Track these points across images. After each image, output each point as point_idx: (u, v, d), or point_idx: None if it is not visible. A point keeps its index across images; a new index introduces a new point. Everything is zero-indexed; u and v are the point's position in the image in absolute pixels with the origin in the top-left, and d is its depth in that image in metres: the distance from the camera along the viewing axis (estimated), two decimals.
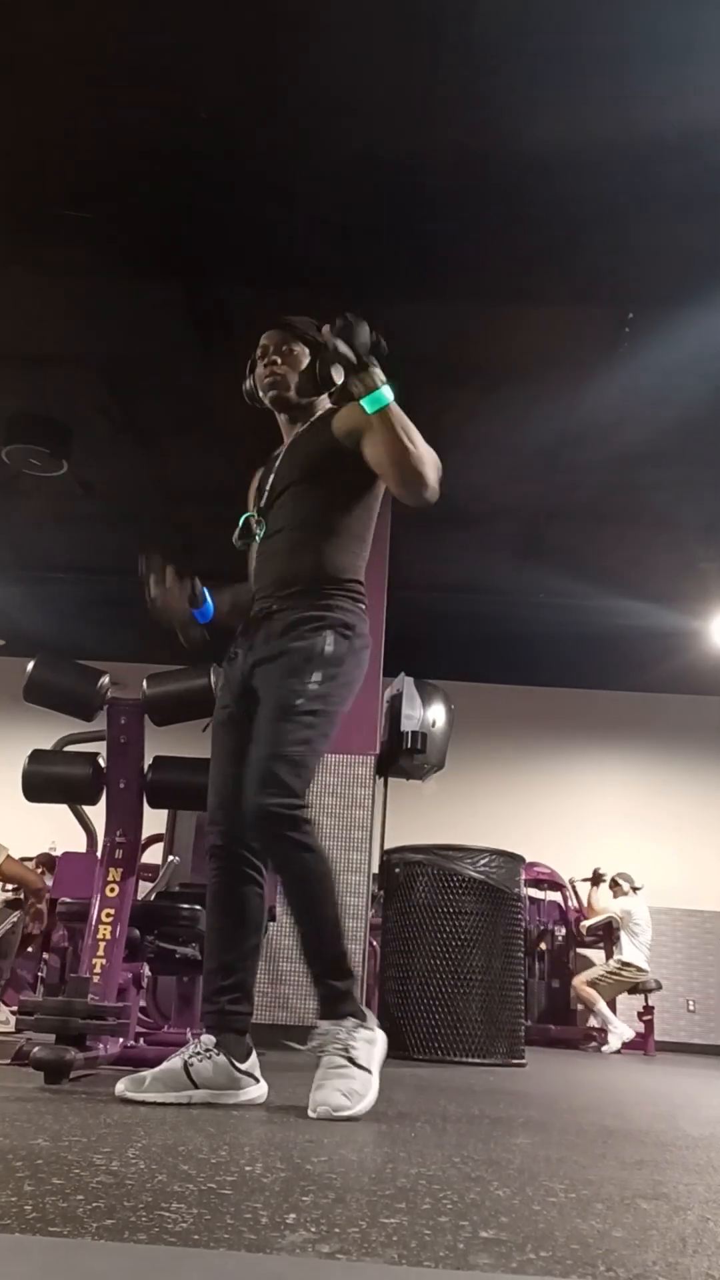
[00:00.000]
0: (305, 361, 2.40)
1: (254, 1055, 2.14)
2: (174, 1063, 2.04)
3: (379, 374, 2.10)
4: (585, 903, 8.42)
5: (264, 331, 2.46)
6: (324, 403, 2.43)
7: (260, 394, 2.45)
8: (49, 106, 4.00)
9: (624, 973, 7.80)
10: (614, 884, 8.19)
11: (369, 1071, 1.98)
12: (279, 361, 2.40)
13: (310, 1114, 1.87)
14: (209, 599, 2.40)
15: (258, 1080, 2.12)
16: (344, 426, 2.29)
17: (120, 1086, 1.95)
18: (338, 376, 2.18)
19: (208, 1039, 2.08)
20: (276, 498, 2.36)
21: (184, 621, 2.36)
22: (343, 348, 2.06)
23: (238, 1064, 2.07)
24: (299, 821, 2.07)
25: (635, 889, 8.09)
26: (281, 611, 2.24)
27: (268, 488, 2.40)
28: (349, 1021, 2.04)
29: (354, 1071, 1.96)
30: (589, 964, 8.75)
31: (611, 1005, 7.77)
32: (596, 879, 8.33)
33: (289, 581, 2.27)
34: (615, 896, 8.13)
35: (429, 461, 2.15)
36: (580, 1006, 8.64)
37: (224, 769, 2.25)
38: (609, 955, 8.05)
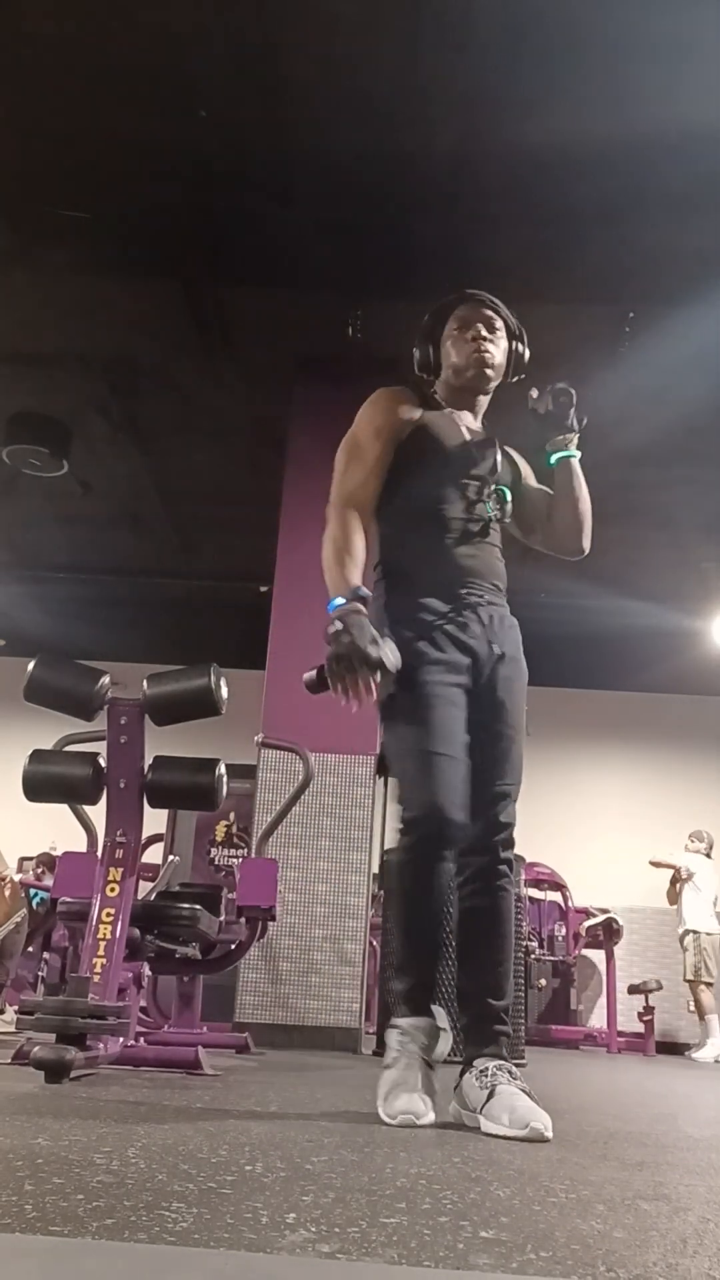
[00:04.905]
0: (506, 345, 2.31)
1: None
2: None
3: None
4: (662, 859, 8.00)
5: (464, 302, 2.33)
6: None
7: (464, 368, 2.28)
8: (49, 106, 4.00)
9: (705, 940, 7.51)
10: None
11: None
12: (492, 340, 2.27)
13: (520, 1131, 1.78)
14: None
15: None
16: (531, 476, 2.34)
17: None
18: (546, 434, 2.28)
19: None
20: (484, 486, 2.24)
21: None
22: (572, 416, 2.21)
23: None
24: None
25: (707, 853, 7.78)
26: (501, 608, 2.17)
27: (480, 473, 2.24)
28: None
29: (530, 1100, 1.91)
30: (590, 965, 8.73)
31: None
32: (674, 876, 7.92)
33: (500, 583, 2.21)
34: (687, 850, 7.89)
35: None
36: (580, 1007, 8.61)
37: (457, 752, 1.98)
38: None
